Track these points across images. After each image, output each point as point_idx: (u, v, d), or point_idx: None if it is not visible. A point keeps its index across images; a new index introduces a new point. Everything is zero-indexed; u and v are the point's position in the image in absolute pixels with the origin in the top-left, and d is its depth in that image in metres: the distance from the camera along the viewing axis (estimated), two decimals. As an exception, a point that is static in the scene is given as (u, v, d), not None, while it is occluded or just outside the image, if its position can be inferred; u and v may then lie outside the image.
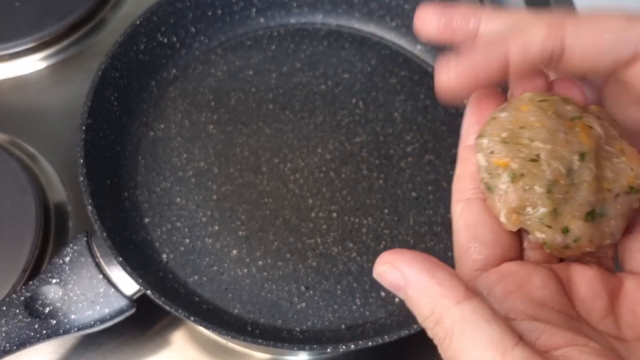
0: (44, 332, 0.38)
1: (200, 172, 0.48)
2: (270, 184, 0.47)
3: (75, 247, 0.40)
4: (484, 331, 0.19)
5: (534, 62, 0.25)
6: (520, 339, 0.19)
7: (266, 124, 0.50)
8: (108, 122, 0.47)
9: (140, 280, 0.38)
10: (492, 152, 0.25)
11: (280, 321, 0.42)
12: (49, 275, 0.39)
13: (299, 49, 0.53)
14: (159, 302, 0.38)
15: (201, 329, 0.43)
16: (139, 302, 0.40)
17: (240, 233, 0.45)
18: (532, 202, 0.24)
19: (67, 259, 0.40)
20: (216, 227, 0.45)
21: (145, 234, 0.45)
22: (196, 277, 0.44)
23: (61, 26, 0.54)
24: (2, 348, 0.37)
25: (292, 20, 0.55)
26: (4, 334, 0.37)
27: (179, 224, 0.45)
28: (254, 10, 0.54)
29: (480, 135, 0.26)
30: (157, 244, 0.45)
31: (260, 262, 0.44)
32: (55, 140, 0.51)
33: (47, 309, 0.39)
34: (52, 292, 0.39)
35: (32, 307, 0.39)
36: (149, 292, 0.38)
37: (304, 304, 0.43)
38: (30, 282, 0.39)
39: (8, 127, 0.51)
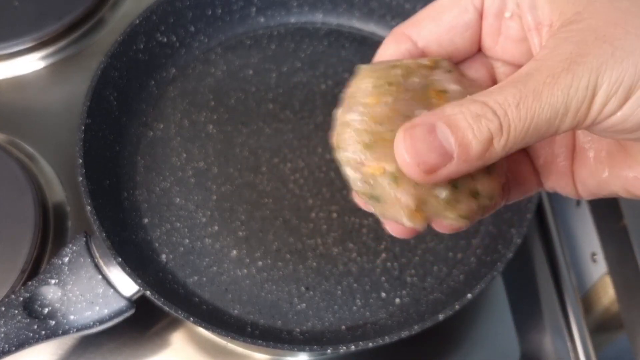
0: (43, 332, 0.38)
1: (199, 172, 0.47)
2: (270, 184, 0.47)
3: (74, 248, 0.40)
4: None
5: None
6: None
7: (266, 123, 0.49)
8: (107, 121, 0.46)
9: (139, 281, 0.38)
10: (360, 162, 0.23)
11: (280, 322, 0.42)
12: (48, 275, 0.39)
13: (299, 48, 0.53)
14: (159, 302, 0.38)
15: (201, 329, 0.43)
16: (138, 303, 0.40)
17: (240, 233, 0.45)
18: (428, 192, 0.22)
19: (66, 259, 0.40)
20: (216, 228, 0.45)
21: (145, 234, 0.45)
22: (196, 278, 0.43)
23: (60, 25, 0.54)
24: (1, 349, 0.37)
25: (292, 20, 0.55)
26: (3, 335, 0.37)
27: (178, 224, 0.45)
28: (253, 9, 0.54)
29: (339, 147, 0.23)
30: (157, 245, 0.44)
31: (260, 263, 0.44)
32: (54, 140, 0.50)
33: (46, 310, 0.39)
34: (51, 292, 0.39)
35: (31, 308, 0.39)
36: (148, 292, 0.38)
37: (304, 304, 0.43)
38: (29, 283, 0.39)
39: (7, 126, 0.51)
